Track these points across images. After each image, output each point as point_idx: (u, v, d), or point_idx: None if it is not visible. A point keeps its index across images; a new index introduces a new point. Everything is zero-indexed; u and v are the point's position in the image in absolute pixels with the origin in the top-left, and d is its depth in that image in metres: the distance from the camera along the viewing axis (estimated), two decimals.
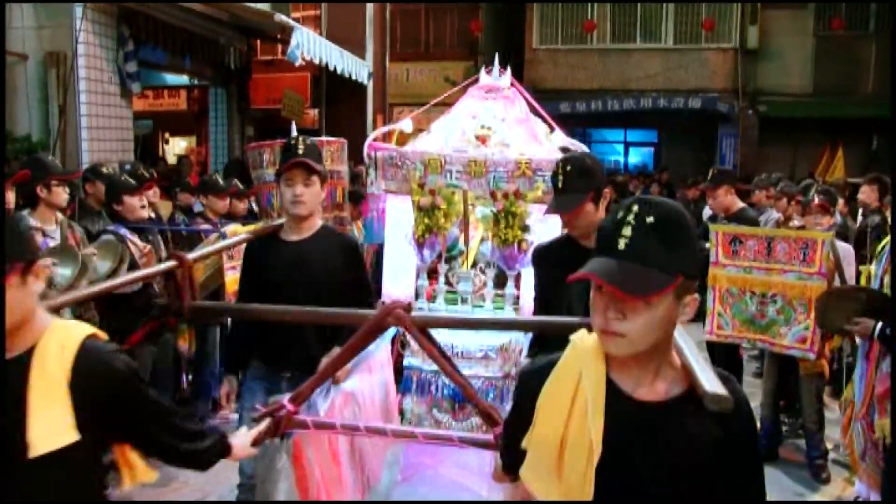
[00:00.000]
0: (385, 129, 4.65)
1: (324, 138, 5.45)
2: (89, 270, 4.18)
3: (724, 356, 5.47)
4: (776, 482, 4.87)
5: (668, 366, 1.60)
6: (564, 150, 4.14)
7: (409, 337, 3.58)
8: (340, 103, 12.64)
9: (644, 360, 1.56)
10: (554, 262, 2.93)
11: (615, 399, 1.56)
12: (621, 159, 19.27)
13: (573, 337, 1.68)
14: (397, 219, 4.17)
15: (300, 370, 3.08)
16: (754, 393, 5.57)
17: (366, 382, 3.23)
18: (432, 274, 4.14)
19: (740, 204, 5.72)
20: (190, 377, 5.72)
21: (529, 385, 1.68)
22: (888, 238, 4.22)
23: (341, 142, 5.26)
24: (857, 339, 4.17)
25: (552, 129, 4.43)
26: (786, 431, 5.46)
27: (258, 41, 11.31)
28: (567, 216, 2.96)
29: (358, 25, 12.78)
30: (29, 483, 1.73)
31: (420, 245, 3.89)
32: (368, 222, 4.59)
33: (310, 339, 3.26)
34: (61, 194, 4.25)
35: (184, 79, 11.40)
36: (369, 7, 13.00)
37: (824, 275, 4.43)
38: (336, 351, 2.93)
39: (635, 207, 1.51)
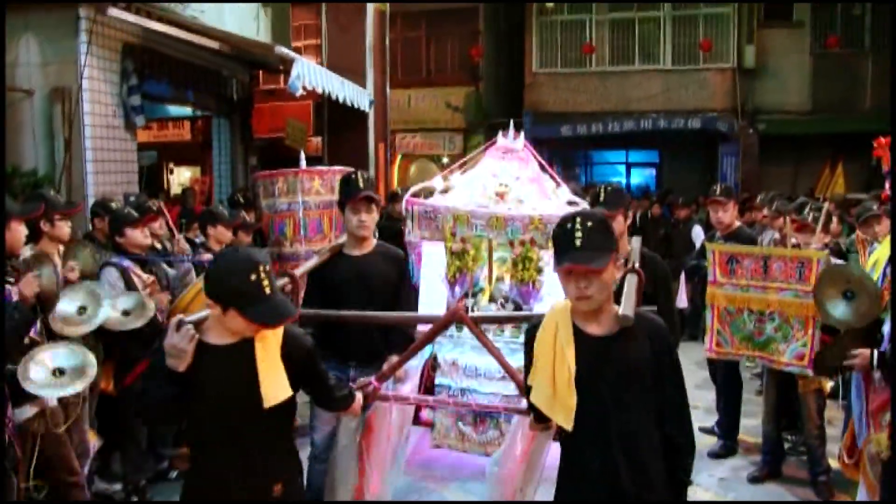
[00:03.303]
0: (419, 186, 5.36)
1: (336, 168, 5.54)
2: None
3: (725, 371, 5.50)
4: (780, 499, 4.89)
5: (610, 311, 2.48)
6: (571, 203, 4.94)
7: (440, 360, 4.79)
8: (343, 131, 12.75)
9: (595, 310, 2.45)
10: None
11: (579, 336, 2.45)
12: (623, 180, 19.33)
13: (553, 304, 2.65)
14: (430, 261, 4.96)
15: (364, 361, 3.90)
16: (756, 411, 5.59)
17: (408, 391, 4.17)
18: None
19: (738, 222, 5.79)
20: None
21: (529, 338, 2.59)
22: (877, 255, 4.27)
23: (348, 171, 5.34)
24: None
25: (558, 185, 5.24)
26: (788, 449, 5.47)
27: (260, 71, 11.44)
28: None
29: (358, 54, 12.92)
30: (266, 422, 2.55)
31: (451, 284, 4.68)
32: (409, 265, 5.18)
33: (374, 335, 4.01)
34: (63, 228, 4.33)
35: (187, 110, 11.54)
36: (369, 35, 13.15)
37: None
38: (393, 358, 3.79)
39: (579, 219, 2.39)
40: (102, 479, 4.95)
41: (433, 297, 4.82)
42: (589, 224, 2.36)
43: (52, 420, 3.85)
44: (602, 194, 4.02)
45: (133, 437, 4.80)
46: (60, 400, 3.91)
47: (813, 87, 15.83)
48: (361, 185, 3.93)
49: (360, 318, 3.84)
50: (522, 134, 5.28)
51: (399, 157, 17.50)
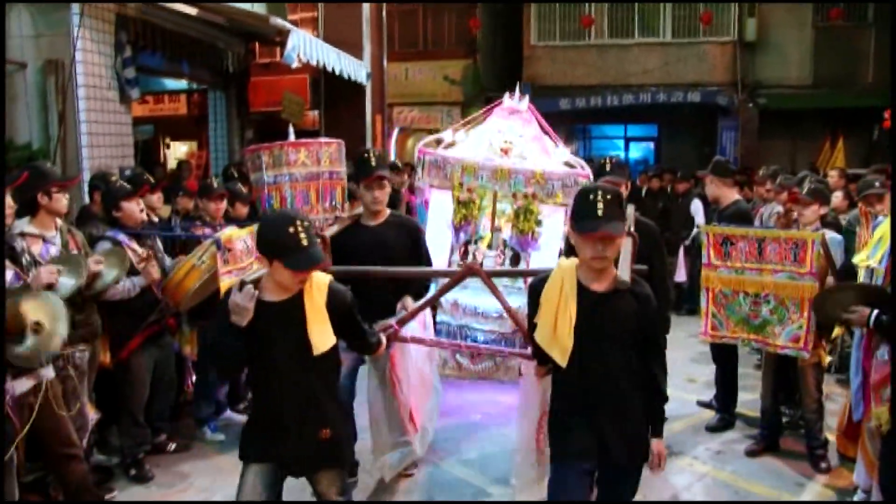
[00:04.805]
0: (431, 137, 5.76)
1: (322, 139, 5.49)
2: (97, 279, 4.25)
3: (720, 345, 5.49)
4: (776, 472, 4.89)
5: (612, 272, 2.92)
6: (567, 164, 5.34)
7: (441, 300, 5.03)
8: (340, 104, 12.66)
9: (600, 269, 2.88)
10: None
11: (581, 291, 2.89)
12: (622, 154, 19.27)
13: (559, 261, 3.09)
14: (439, 208, 5.35)
15: (383, 316, 4.14)
16: (754, 385, 5.60)
17: (419, 329, 4.44)
18: (462, 252, 5.24)
19: (735, 196, 5.74)
20: (193, 380, 5.76)
21: (536, 289, 3.00)
22: (883, 229, 4.23)
23: (339, 143, 5.30)
24: (855, 330, 4.19)
25: (557, 145, 5.64)
26: (786, 422, 5.47)
27: (256, 44, 11.32)
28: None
29: (355, 26, 12.78)
30: (316, 369, 2.98)
31: (457, 229, 5.08)
32: (419, 210, 5.78)
33: (388, 296, 4.34)
34: (62, 200, 4.26)
35: (184, 83, 11.42)
36: (365, 8, 13.00)
37: (815, 274, 4.45)
38: (408, 301, 4.28)
39: (600, 192, 2.81)
40: (101, 452, 4.96)
41: (438, 241, 5.24)
42: (608, 197, 2.78)
43: (50, 392, 3.83)
44: (608, 165, 4.33)
45: (130, 411, 4.80)
46: (58, 373, 3.90)
47: (814, 60, 15.69)
48: (374, 163, 4.29)
49: (382, 274, 4.24)
50: (527, 97, 5.70)
51: (396, 130, 17.40)
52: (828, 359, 5.25)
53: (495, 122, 5.52)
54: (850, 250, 4.86)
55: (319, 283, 3.01)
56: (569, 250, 3.95)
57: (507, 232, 5.35)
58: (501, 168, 5.00)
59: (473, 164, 5.07)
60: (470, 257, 5.19)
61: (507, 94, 5.71)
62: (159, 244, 5.06)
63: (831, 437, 5.01)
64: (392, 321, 3.94)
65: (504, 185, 5.01)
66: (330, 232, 4.49)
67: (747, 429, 5.56)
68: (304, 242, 2.82)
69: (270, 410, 3.03)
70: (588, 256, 2.82)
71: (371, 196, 4.37)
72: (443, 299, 5.14)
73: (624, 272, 2.92)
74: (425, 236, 4.83)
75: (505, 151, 5.19)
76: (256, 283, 2.96)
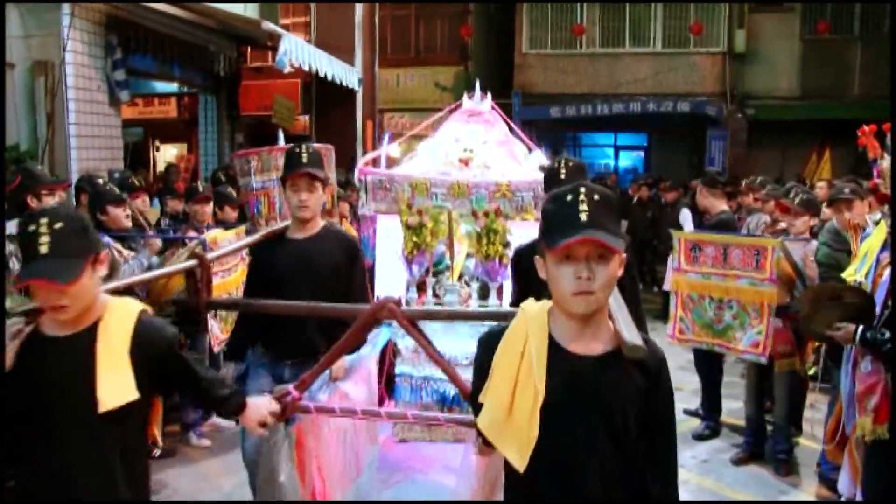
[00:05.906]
0: (373, 154, 4.99)
1: (312, 145, 5.49)
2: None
3: (705, 358, 5.54)
4: (762, 481, 4.91)
5: (604, 325, 1.88)
6: (543, 168, 4.28)
7: (400, 346, 4.12)
8: (331, 109, 12.66)
9: (586, 319, 1.83)
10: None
11: (556, 353, 1.85)
12: (612, 163, 19.36)
13: (522, 305, 1.99)
14: (388, 237, 4.40)
15: (302, 357, 3.39)
16: (741, 394, 5.62)
17: (358, 389, 3.70)
18: (421, 287, 4.28)
19: (722, 207, 5.80)
20: None
21: (488, 347, 1.95)
22: (870, 243, 4.25)
23: (328, 148, 5.29)
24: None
25: (530, 150, 4.81)
26: (771, 431, 5.49)
27: (248, 48, 11.32)
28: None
29: (347, 32, 12.79)
30: (99, 433, 2.10)
31: (409, 261, 4.09)
32: (364, 241, 4.86)
33: (311, 330, 3.49)
34: (51, 203, 4.25)
35: (174, 86, 11.39)
36: (358, 13, 13.02)
37: (774, 281, 4.55)
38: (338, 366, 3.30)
39: (583, 189, 1.80)
40: None
41: (390, 277, 4.35)
42: (595, 197, 1.78)
43: None
44: (563, 169, 3.34)
45: None
46: None
47: (802, 72, 15.83)
48: (304, 160, 3.50)
49: (274, 308, 3.28)
50: (489, 95, 4.98)
51: (387, 136, 17.41)
52: (813, 368, 5.28)
53: (452, 129, 4.71)
54: (820, 264, 4.88)
55: (124, 313, 2.18)
56: (520, 297, 3.03)
57: (472, 260, 4.37)
58: (458, 183, 4.18)
59: (424, 180, 4.23)
60: (429, 292, 4.25)
61: (465, 96, 4.91)
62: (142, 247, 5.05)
63: (816, 445, 5.04)
64: (290, 387, 2.77)
65: (464, 203, 4.16)
66: (220, 252, 3.81)
67: (734, 437, 5.59)
68: (44, 249, 2.00)
69: (42, 489, 2.14)
70: (568, 291, 1.77)
71: (297, 199, 3.50)
72: (402, 346, 4.21)
73: (629, 331, 1.85)
74: (361, 252, 3.98)
75: (465, 162, 4.41)
76: (32, 313, 2.14)
